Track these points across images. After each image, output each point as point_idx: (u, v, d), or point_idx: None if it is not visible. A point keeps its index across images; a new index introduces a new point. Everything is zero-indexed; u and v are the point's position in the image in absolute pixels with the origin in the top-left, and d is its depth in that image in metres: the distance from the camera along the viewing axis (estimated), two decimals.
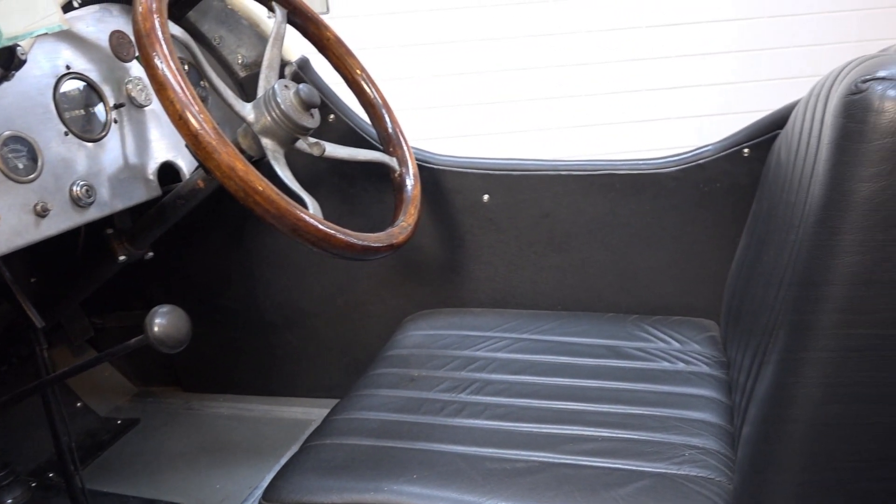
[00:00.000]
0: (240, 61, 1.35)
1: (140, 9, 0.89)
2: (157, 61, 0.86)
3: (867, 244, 0.63)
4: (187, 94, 0.86)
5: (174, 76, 0.86)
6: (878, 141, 0.61)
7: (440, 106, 3.22)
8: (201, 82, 1.29)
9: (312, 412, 1.53)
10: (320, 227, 0.92)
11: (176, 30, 0.95)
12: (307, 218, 0.90)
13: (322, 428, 1.07)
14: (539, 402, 1.08)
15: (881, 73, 0.62)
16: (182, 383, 1.67)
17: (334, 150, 1.13)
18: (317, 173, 1.42)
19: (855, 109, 0.63)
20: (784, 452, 0.76)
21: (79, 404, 1.55)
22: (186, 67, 1.26)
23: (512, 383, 1.14)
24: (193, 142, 0.86)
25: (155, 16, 0.88)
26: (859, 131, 0.62)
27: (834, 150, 0.65)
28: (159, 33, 0.88)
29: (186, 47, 0.97)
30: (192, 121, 0.85)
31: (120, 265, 1.24)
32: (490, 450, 0.97)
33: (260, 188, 0.87)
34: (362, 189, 1.42)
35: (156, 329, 0.85)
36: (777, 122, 1.17)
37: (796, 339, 0.70)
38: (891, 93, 0.61)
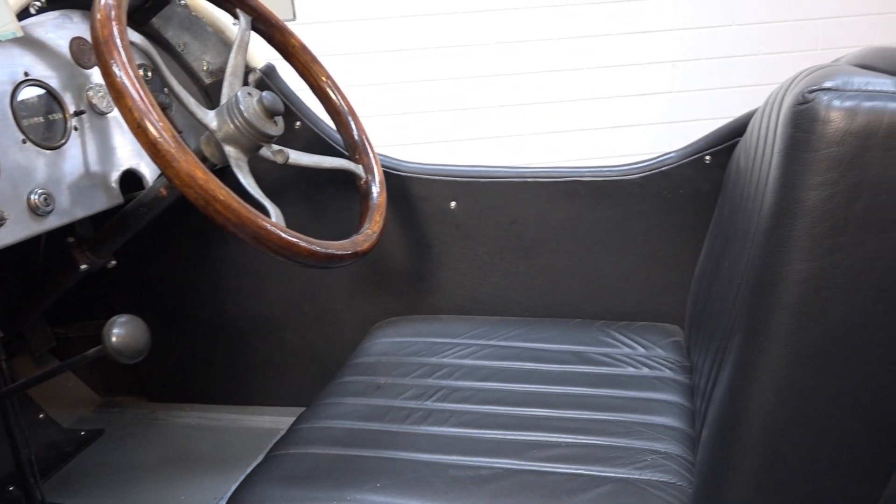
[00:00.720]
0: (205, 68, 1.34)
1: (98, 16, 0.88)
2: (115, 69, 0.85)
3: (815, 251, 0.64)
4: (146, 101, 0.85)
5: (132, 84, 0.85)
6: (825, 150, 0.63)
7: (408, 112, 3.22)
8: (165, 89, 1.28)
9: (281, 421, 1.52)
10: (282, 235, 0.91)
11: (135, 37, 0.94)
12: (269, 226, 0.90)
13: (287, 437, 1.07)
14: (504, 409, 1.08)
15: (827, 84, 0.64)
16: (147, 393, 1.65)
17: (299, 158, 1.13)
18: (283, 181, 1.42)
19: (802, 119, 0.64)
20: (739, 455, 0.77)
21: (41, 415, 1.53)
22: (150, 75, 1.25)
23: (478, 390, 1.14)
24: (152, 150, 0.85)
25: (113, 23, 0.88)
26: (806, 140, 0.64)
27: (783, 158, 0.66)
28: (118, 40, 0.87)
29: (146, 54, 0.96)
30: (151, 129, 0.84)
31: (81, 274, 1.22)
32: (454, 457, 0.97)
33: (220, 196, 0.86)
34: (329, 196, 1.41)
35: (114, 339, 0.84)
36: (737, 130, 1.18)
37: (750, 343, 0.71)
38: (836, 103, 0.63)
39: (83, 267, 1.20)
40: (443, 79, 3.20)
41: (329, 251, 0.98)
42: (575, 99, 3.29)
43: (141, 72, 1.22)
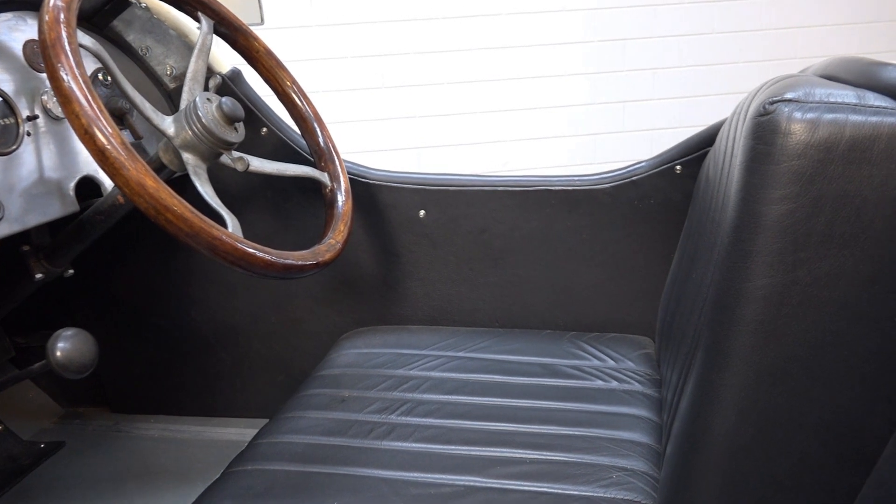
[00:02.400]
0: (168, 73, 1.31)
1: (46, 18, 0.85)
2: (62, 73, 0.82)
3: (776, 267, 0.63)
4: (94, 107, 0.82)
5: (80, 88, 0.82)
6: (786, 163, 0.61)
7: (376, 119, 3.20)
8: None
9: (247, 433, 1.48)
10: (237, 245, 0.88)
11: (86, 39, 0.91)
12: (223, 236, 0.87)
13: (245, 453, 1.04)
14: (469, 423, 1.06)
15: (789, 95, 0.62)
16: (111, 404, 1.61)
17: (261, 165, 1.10)
18: (249, 188, 1.39)
19: (763, 131, 0.62)
20: (702, 473, 0.75)
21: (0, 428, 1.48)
22: (109, 79, 1.22)
23: (443, 403, 1.12)
24: (100, 158, 0.82)
25: (62, 25, 0.85)
26: (767, 153, 0.62)
27: (744, 171, 0.64)
28: (65, 43, 0.84)
29: (99, 58, 0.93)
30: (99, 135, 0.81)
31: (37, 284, 1.19)
32: (416, 474, 0.94)
33: (172, 206, 0.83)
34: (296, 204, 1.39)
35: (58, 354, 0.80)
36: (707, 140, 1.17)
37: (711, 360, 0.69)
38: (797, 115, 0.61)
39: (38, 276, 1.17)
40: (415, 84, 3.18)
41: (287, 262, 0.95)
42: (553, 105, 3.29)
43: (101, 76, 1.19)
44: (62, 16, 0.86)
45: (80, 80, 0.83)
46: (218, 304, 1.48)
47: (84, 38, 0.91)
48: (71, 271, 1.22)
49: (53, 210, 1.08)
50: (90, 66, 1.21)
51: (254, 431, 1.41)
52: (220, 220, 0.93)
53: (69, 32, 0.85)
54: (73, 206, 1.11)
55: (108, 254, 1.46)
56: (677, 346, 0.99)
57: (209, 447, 1.48)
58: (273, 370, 1.50)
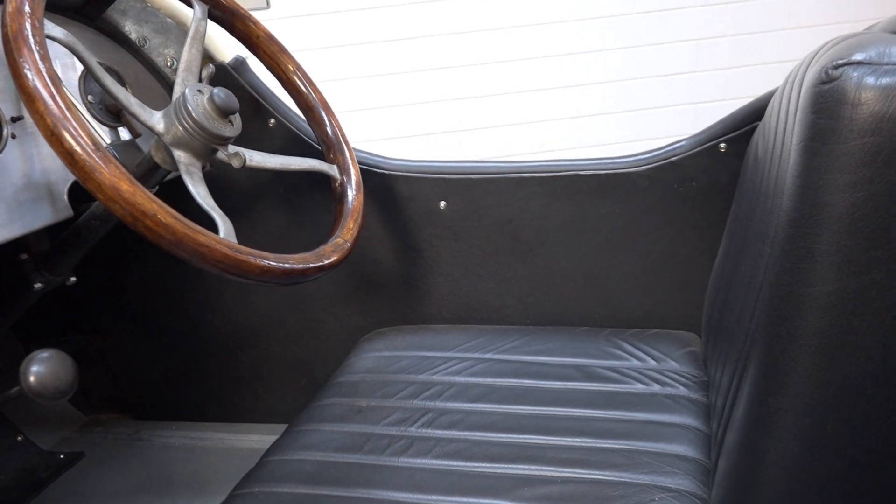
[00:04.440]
0: (168, 64, 1.23)
1: (9, 8, 0.77)
2: (24, 69, 0.74)
3: (845, 268, 0.51)
4: (60, 105, 0.74)
5: (45, 86, 0.74)
6: (855, 141, 0.49)
7: (408, 104, 3.10)
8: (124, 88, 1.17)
9: (268, 440, 1.41)
10: (229, 251, 0.80)
11: (56, 31, 0.83)
12: (212, 243, 0.79)
13: (253, 473, 0.96)
14: (495, 436, 0.96)
15: (857, 56, 0.50)
16: (132, 411, 1.56)
17: (263, 160, 1.01)
18: (259, 184, 1.31)
19: (826, 102, 0.51)
20: (758, 499, 0.64)
21: (19, 438, 1.44)
22: None
23: (468, 413, 1.02)
24: (69, 161, 0.74)
25: (25, 16, 0.77)
26: (831, 129, 0.50)
27: (803, 152, 0.53)
28: (29, 36, 0.76)
29: (73, 50, 0.85)
30: (66, 137, 0.73)
31: (38, 293, 1.12)
32: (434, 497, 0.85)
33: (150, 211, 0.75)
34: (310, 199, 1.30)
35: (31, 379, 0.73)
36: (755, 113, 1.04)
37: (768, 379, 0.58)
38: (869, 80, 0.49)
39: (38, 286, 1.11)
40: (446, 67, 3.07)
41: (287, 266, 0.87)
42: (590, 82, 3.15)
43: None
44: (27, 5, 0.78)
45: (46, 77, 0.75)
46: (234, 305, 1.41)
47: (54, 30, 0.83)
48: (73, 279, 1.16)
49: (44, 217, 1.01)
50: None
51: (276, 438, 1.34)
52: (211, 225, 0.84)
53: (34, 23, 0.77)
54: (67, 212, 1.04)
55: (121, 257, 1.40)
56: (727, 344, 0.88)
57: (230, 455, 1.41)
58: (294, 374, 1.43)
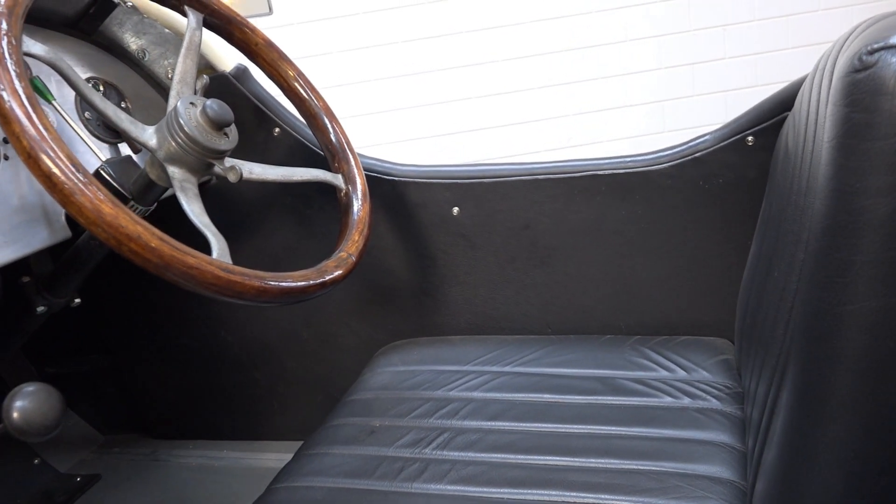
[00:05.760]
0: (168, 75, 1.20)
1: None
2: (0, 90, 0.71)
3: (889, 283, 0.45)
4: (38, 126, 0.70)
5: (20, 106, 0.70)
6: None
7: (434, 103, 3.05)
8: (122, 104, 1.14)
9: (285, 458, 1.37)
10: (220, 272, 0.75)
11: (36, 48, 0.79)
12: (202, 264, 0.74)
13: (261, 501, 0.92)
14: (514, 458, 0.90)
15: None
16: (150, 430, 1.53)
17: (264, 172, 0.97)
18: (267, 195, 1.26)
19: (860, 93, 0.44)
20: None
21: (36, 461, 1.42)
22: (102, 88, 1.11)
23: (486, 432, 0.97)
24: (48, 184, 0.70)
25: (2, 34, 0.73)
26: (867, 124, 0.43)
27: (836, 151, 0.46)
28: (5, 54, 0.72)
29: (55, 67, 0.81)
30: (44, 158, 0.69)
31: (41, 316, 1.09)
32: None
33: (135, 234, 0.71)
34: (319, 209, 1.25)
35: (15, 415, 0.69)
36: (784, 103, 0.97)
37: (805, 407, 0.52)
38: None
39: (40, 309, 1.08)
40: (470, 65, 3.01)
41: (285, 285, 0.82)
42: (616, 74, 3.06)
43: (90, 85, 1.08)
44: (2, 23, 0.74)
45: (22, 97, 0.71)
46: (247, 321, 1.37)
47: (34, 47, 0.79)
48: (77, 300, 1.12)
49: (41, 239, 0.97)
50: (83, 74, 1.10)
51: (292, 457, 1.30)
52: (204, 244, 0.80)
53: (10, 41, 0.73)
54: (65, 233, 1.00)
55: (132, 275, 1.37)
56: (762, 351, 0.81)
57: (247, 475, 1.37)
58: (310, 389, 1.39)
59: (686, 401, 0.97)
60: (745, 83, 3.09)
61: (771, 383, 0.72)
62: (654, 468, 0.85)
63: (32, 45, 0.79)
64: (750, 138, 1.02)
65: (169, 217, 0.95)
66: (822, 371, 0.49)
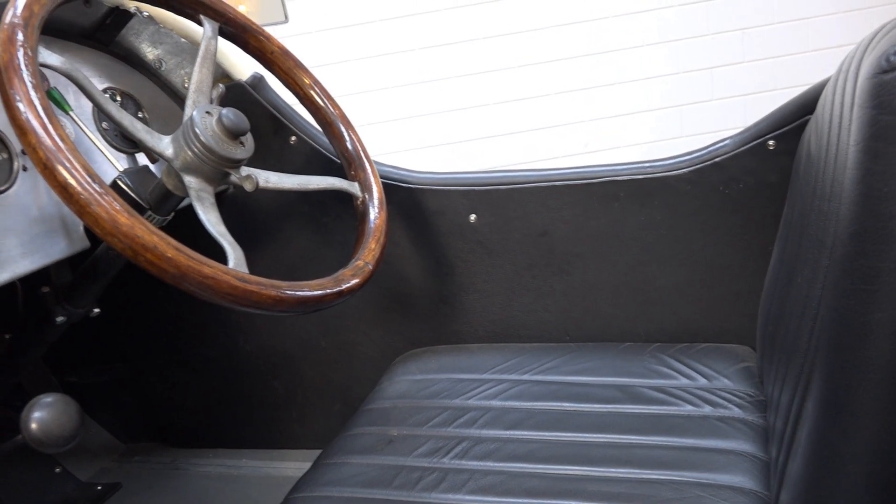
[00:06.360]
0: (185, 84, 1.20)
1: (1, 36, 0.74)
2: (16, 101, 0.71)
3: None
4: (54, 137, 0.70)
5: (36, 117, 0.71)
6: None
7: (451, 110, 3.05)
8: (139, 114, 1.14)
9: (304, 467, 1.37)
10: (237, 282, 0.75)
11: (52, 59, 0.80)
12: (218, 274, 0.74)
13: None
14: (533, 467, 0.89)
15: None
16: (169, 439, 1.53)
17: (280, 181, 0.97)
18: (284, 204, 1.26)
19: (888, 94, 0.43)
20: None
21: (57, 469, 1.43)
22: (119, 98, 1.12)
23: (504, 441, 0.96)
24: (64, 195, 0.70)
25: (17, 45, 0.74)
26: (895, 127, 0.42)
27: (863, 155, 0.45)
28: (21, 66, 0.73)
29: (72, 79, 0.82)
30: (60, 170, 0.70)
31: (61, 327, 1.10)
32: None
33: (151, 244, 0.71)
34: (336, 217, 1.25)
35: (33, 426, 0.69)
36: (805, 106, 0.96)
37: (830, 418, 0.51)
38: None
39: (60, 319, 1.08)
40: (487, 71, 3.01)
41: (302, 294, 0.82)
42: (633, 79, 3.05)
43: (108, 95, 1.09)
44: (18, 35, 0.74)
45: (39, 108, 0.71)
46: (264, 330, 1.37)
47: (50, 58, 0.79)
48: (97, 310, 1.13)
49: (60, 249, 0.98)
50: (100, 84, 1.11)
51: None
52: (220, 254, 0.80)
53: (26, 52, 0.74)
54: (83, 243, 1.01)
55: (152, 285, 1.37)
56: (785, 359, 0.80)
57: (266, 484, 1.37)
58: (329, 398, 1.38)
59: (707, 409, 0.96)
60: (765, 87, 3.06)
61: (795, 392, 0.71)
62: (675, 478, 0.83)
63: (49, 57, 0.79)
64: (771, 142, 1.01)
65: (185, 227, 0.95)
66: (848, 381, 0.48)
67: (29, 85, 0.72)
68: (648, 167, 1.08)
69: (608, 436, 0.93)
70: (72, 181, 0.69)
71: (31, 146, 0.70)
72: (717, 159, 1.05)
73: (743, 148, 1.03)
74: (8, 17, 0.75)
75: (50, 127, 0.71)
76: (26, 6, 0.76)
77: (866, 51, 0.55)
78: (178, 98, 1.23)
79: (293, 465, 1.40)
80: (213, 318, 1.39)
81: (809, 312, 0.67)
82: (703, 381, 1.02)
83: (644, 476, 0.84)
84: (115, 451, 1.56)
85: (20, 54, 0.73)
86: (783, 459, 0.74)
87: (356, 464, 0.96)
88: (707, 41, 3.01)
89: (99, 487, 1.42)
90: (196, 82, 0.95)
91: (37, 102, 0.71)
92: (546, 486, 0.85)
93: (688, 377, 1.03)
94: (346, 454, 0.99)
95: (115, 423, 1.57)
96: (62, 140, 0.71)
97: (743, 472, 0.83)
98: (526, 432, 0.97)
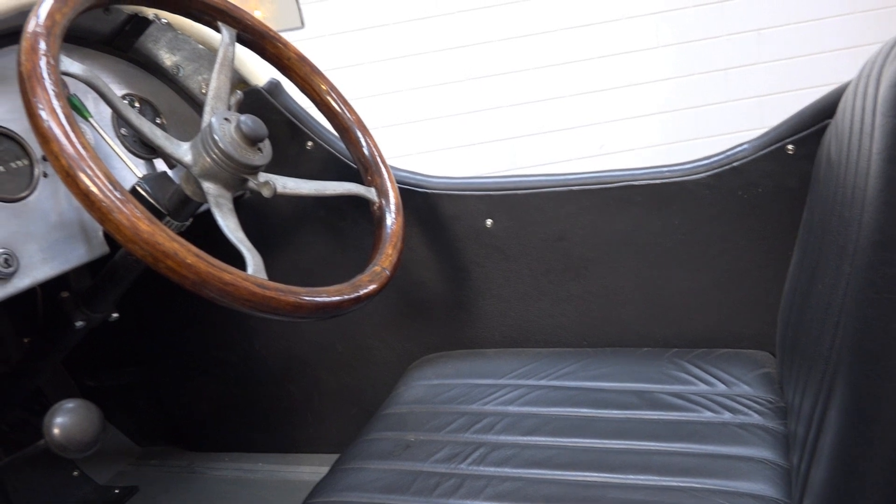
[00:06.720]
0: (202, 90, 1.21)
1: (24, 46, 0.75)
2: (39, 109, 0.72)
3: None
4: (76, 145, 0.71)
5: (59, 125, 0.71)
6: None
7: (464, 112, 3.05)
8: (157, 119, 1.15)
9: (319, 471, 1.37)
10: (255, 288, 0.75)
11: (74, 67, 0.80)
12: (238, 280, 0.74)
13: None
14: (550, 474, 0.89)
15: None
16: (185, 442, 1.54)
17: (297, 187, 0.97)
18: (300, 209, 1.27)
19: None
20: None
21: (75, 473, 1.44)
22: (137, 105, 1.13)
23: (522, 447, 0.95)
24: (86, 202, 0.71)
25: (40, 54, 0.74)
26: None
27: (886, 163, 0.45)
28: (43, 75, 0.73)
29: (92, 86, 0.82)
30: (82, 177, 0.70)
31: (81, 331, 1.11)
32: None
33: (171, 251, 0.71)
34: (352, 222, 1.26)
35: (56, 431, 0.70)
36: (825, 110, 0.95)
37: (853, 429, 0.50)
38: None
39: (79, 324, 1.09)
40: (500, 73, 3.01)
41: (320, 300, 0.82)
42: (648, 80, 3.04)
43: (126, 101, 1.10)
44: (41, 44, 0.75)
45: (61, 116, 0.72)
46: (281, 334, 1.37)
47: (71, 66, 0.80)
48: (115, 315, 1.14)
49: (80, 255, 0.99)
50: (119, 91, 1.12)
51: (327, 470, 1.30)
52: (239, 260, 0.80)
53: (48, 61, 0.74)
54: (103, 249, 1.01)
55: (168, 289, 1.38)
56: (806, 365, 0.79)
57: (282, 488, 1.38)
58: (345, 402, 1.39)
59: (727, 415, 0.95)
60: (780, 88, 3.04)
61: (817, 399, 0.70)
62: (694, 485, 0.83)
63: (70, 65, 0.80)
64: (790, 147, 1.00)
65: (203, 232, 0.96)
66: (873, 390, 0.47)
67: (51, 93, 0.72)
68: (666, 172, 1.08)
69: (627, 442, 0.92)
70: (94, 189, 0.70)
71: (53, 154, 0.71)
72: (735, 164, 1.04)
73: (762, 152, 1.02)
74: (31, 26, 0.76)
75: (72, 135, 0.71)
76: (48, 15, 0.77)
77: (888, 57, 0.55)
78: (195, 104, 1.23)
79: (309, 469, 1.41)
80: (230, 322, 1.39)
81: (831, 319, 0.67)
82: (722, 387, 1.01)
83: (664, 483, 0.84)
84: (132, 455, 1.57)
85: (43, 63, 0.74)
86: (805, 467, 0.73)
87: (374, 469, 0.97)
88: (722, 42, 2.99)
89: (116, 491, 1.43)
90: (214, 89, 0.95)
91: (59, 111, 0.72)
92: (565, 493, 0.85)
93: (707, 383, 1.02)
94: (363, 459, 1.00)
95: (131, 426, 1.58)
96: (84, 148, 0.71)
97: (764, 480, 0.82)
98: (543, 438, 0.96)
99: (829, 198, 0.78)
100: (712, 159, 1.06)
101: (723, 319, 1.11)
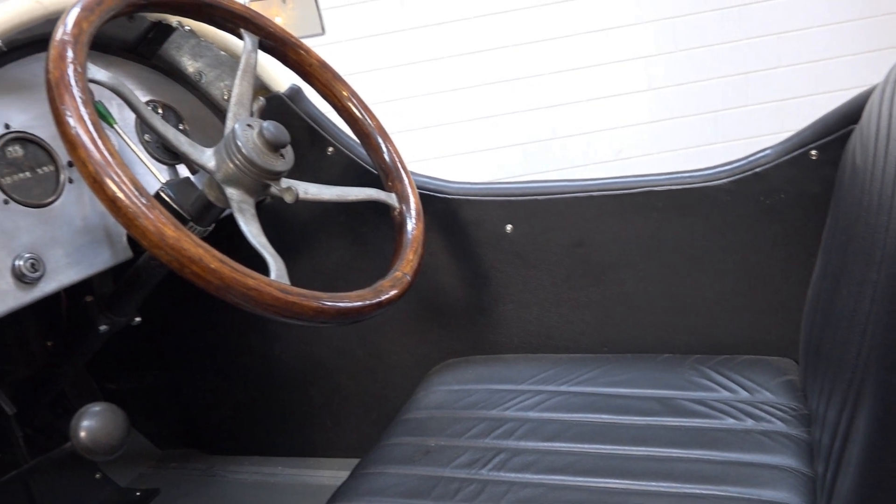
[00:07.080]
0: (224, 97, 1.22)
1: (52, 54, 0.76)
2: (66, 116, 0.73)
3: None
4: (103, 151, 0.72)
5: (86, 132, 0.72)
6: None
7: (478, 118, 3.06)
8: (180, 125, 1.16)
9: (340, 476, 1.37)
10: (279, 294, 0.76)
11: (100, 75, 0.81)
12: (261, 286, 0.75)
13: None
14: (572, 480, 0.89)
15: None
16: (206, 446, 1.55)
17: (319, 192, 0.98)
18: (320, 214, 1.27)
19: None
20: None
21: (97, 475, 1.45)
22: (161, 111, 1.14)
23: (542, 453, 0.95)
24: (112, 208, 0.72)
25: (68, 62, 0.75)
26: None
27: None
28: (71, 82, 0.74)
29: (119, 94, 0.83)
30: (109, 183, 0.71)
31: (104, 335, 1.12)
32: None
33: (196, 257, 0.72)
34: (373, 228, 1.26)
35: (82, 434, 0.71)
36: (850, 115, 0.94)
37: (882, 442, 0.50)
38: None
39: (103, 328, 1.10)
40: (518, 78, 3.01)
41: (342, 305, 0.83)
42: (666, 85, 3.03)
43: (150, 108, 1.11)
44: (69, 52, 0.76)
45: (88, 123, 0.73)
46: (301, 338, 1.38)
47: (98, 73, 0.81)
48: (138, 319, 1.15)
49: (103, 260, 1.00)
50: (143, 97, 1.13)
51: (347, 474, 1.30)
52: (262, 265, 0.81)
53: (76, 69, 0.75)
54: (127, 254, 1.03)
55: (190, 293, 1.39)
56: (831, 373, 0.79)
57: (302, 492, 1.38)
58: (365, 407, 1.39)
59: (749, 423, 0.94)
60: (801, 92, 3.02)
61: (843, 407, 0.70)
62: (717, 493, 0.82)
63: (97, 72, 0.81)
64: (813, 152, 0.99)
65: (225, 237, 0.96)
66: None
67: (79, 101, 0.73)
68: (687, 177, 1.07)
69: (648, 449, 0.92)
70: (120, 194, 0.71)
71: (80, 160, 0.72)
72: (757, 169, 1.03)
73: (784, 158, 1.01)
74: (58, 35, 0.77)
75: (99, 141, 0.72)
76: (76, 23, 0.78)
77: None
78: (217, 110, 1.24)
79: (329, 473, 1.41)
80: (251, 326, 1.40)
81: (857, 327, 0.66)
82: (744, 394, 1.00)
83: (686, 490, 0.83)
84: (153, 457, 1.58)
85: (70, 71, 0.75)
86: (831, 476, 0.72)
87: (394, 474, 0.97)
88: (742, 46, 2.98)
89: (138, 493, 1.44)
90: (237, 95, 0.96)
91: (86, 118, 0.73)
92: (586, 499, 0.85)
93: (729, 390, 1.02)
94: (384, 464, 1.00)
95: (153, 429, 1.59)
96: (111, 154, 0.72)
97: (788, 488, 0.81)
98: (564, 444, 0.96)
99: (855, 204, 0.77)
100: (734, 165, 1.05)
101: (745, 326, 1.11)
